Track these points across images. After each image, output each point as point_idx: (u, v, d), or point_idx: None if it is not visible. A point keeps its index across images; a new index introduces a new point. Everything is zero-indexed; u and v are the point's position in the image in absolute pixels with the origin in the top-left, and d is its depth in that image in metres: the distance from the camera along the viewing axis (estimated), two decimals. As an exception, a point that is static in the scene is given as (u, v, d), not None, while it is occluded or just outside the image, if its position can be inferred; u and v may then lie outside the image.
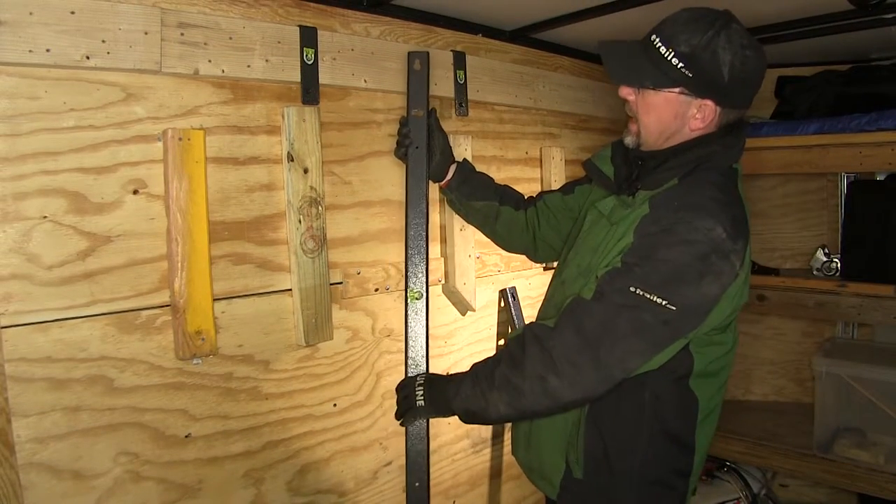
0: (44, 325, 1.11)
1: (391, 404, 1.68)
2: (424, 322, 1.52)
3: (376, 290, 1.63)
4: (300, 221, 1.43)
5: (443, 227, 1.81)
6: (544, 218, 1.57)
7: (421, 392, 1.32)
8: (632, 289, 1.08)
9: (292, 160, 1.42)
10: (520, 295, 2.02)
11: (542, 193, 1.63)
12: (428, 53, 1.60)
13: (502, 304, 2.00)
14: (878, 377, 2.18)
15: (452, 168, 1.62)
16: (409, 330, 1.52)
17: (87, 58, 1.13)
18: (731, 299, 1.14)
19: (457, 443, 1.89)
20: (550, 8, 1.78)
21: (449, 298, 1.83)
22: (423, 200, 1.56)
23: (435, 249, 1.80)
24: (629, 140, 1.25)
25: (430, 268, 1.74)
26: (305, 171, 1.44)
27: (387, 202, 1.67)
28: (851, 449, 2.19)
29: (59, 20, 1.10)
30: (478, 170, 1.68)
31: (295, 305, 1.45)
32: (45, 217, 1.11)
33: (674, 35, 1.13)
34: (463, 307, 1.86)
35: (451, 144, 1.77)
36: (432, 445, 1.80)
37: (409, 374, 1.48)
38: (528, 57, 2.04)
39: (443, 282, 1.81)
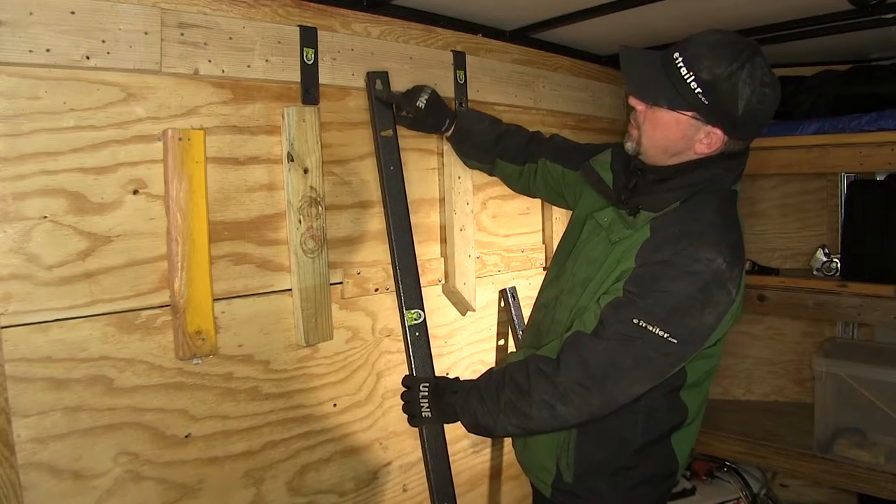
0: (44, 325, 1.11)
1: (391, 404, 1.69)
2: (427, 349, 1.50)
3: (376, 290, 1.63)
4: (300, 221, 1.43)
5: (443, 228, 1.81)
6: (541, 177, 1.61)
7: (426, 403, 1.35)
8: (635, 321, 1.10)
9: (292, 160, 1.42)
10: (520, 295, 2.02)
11: (546, 152, 1.61)
12: (387, 73, 1.57)
13: (502, 304, 2.00)
14: (878, 377, 2.17)
15: (453, 121, 1.64)
16: (412, 354, 1.49)
17: (87, 58, 1.13)
18: (726, 323, 1.17)
19: (456, 443, 1.89)
20: (550, 8, 1.78)
21: (449, 298, 1.83)
22: (406, 222, 1.54)
23: (435, 249, 1.80)
24: (629, 146, 1.25)
25: (430, 268, 1.75)
26: (305, 171, 1.44)
27: (387, 202, 1.67)
28: (851, 449, 2.19)
29: (59, 20, 1.10)
30: (480, 120, 1.68)
31: (295, 305, 1.45)
32: (45, 217, 1.11)
33: (698, 58, 1.10)
34: (463, 307, 1.86)
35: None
36: (432, 445, 1.81)
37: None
38: (528, 57, 2.04)
39: (443, 282, 1.81)
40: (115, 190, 1.19)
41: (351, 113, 1.57)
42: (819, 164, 2.32)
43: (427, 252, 1.78)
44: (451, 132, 1.64)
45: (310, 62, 1.45)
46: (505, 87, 1.94)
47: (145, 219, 1.23)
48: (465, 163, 1.74)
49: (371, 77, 1.56)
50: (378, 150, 1.55)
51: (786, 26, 1.91)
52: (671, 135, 1.17)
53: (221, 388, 1.35)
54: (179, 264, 1.24)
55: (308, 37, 1.45)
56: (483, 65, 1.87)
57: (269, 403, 1.43)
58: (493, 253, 1.95)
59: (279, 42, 1.40)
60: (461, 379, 1.38)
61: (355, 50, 1.55)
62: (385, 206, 1.56)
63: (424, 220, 1.77)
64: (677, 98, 1.13)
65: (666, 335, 1.09)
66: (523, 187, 1.69)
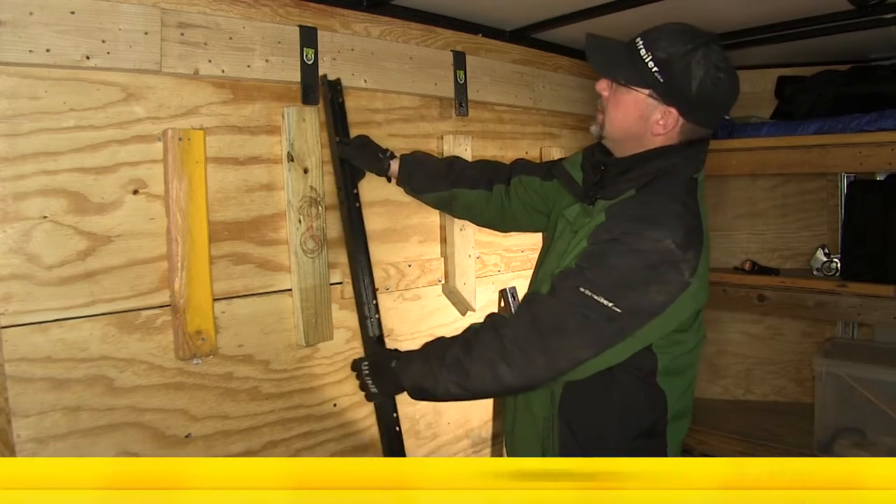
0: (44, 325, 1.11)
1: (391, 404, 1.69)
2: (369, 330, 1.47)
3: (376, 290, 1.62)
4: (300, 221, 1.43)
5: (443, 228, 1.81)
6: (517, 196, 1.57)
7: (370, 380, 1.36)
8: (581, 289, 1.13)
9: (292, 160, 1.42)
10: (519, 295, 2.02)
11: (518, 170, 1.59)
12: (339, 79, 1.50)
13: (502, 304, 2.00)
14: (878, 377, 2.18)
15: (395, 162, 1.57)
16: (362, 337, 1.47)
17: (87, 58, 1.13)
18: (684, 305, 1.17)
19: (457, 443, 1.89)
20: (550, 8, 1.78)
21: (449, 298, 1.83)
22: (357, 215, 1.49)
23: (435, 249, 1.80)
24: (593, 129, 1.30)
25: (430, 268, 1.76)
26: (305, 171, 1.44)
27: (387, 202, 1.67)
28: (851, 449, 2.19)
29: (59, 20, 1.10)
30: (428, 155, 1.63)
31: (295, 305, 1.45)
32: (45, 217, 1.11)
33: (656, 41, 1.18)
34: (463, 307, 1.86)
35: (451, 145, 1.77)
36: (430, 446, 1.81)
37: (365, 333, 1.47)
38: (528, 57, 2.04)
39: (443, 282, 1.81)
40: (115, 190, 1.19)
41: (351, 113, 1.57)
42: (819, 164, 2.32)
43: (427, 252, 1.78)
44: (399, 171, 1.57)
45: (310, 62, 1.45)
46: (505, 87, 1.94)
47: (145, 219, 1.23)
48: (421, 200, 1.63)
49: (328, 83, 1.49)
50: (332, 153, 1.51)
51: (786, 26, 1.91)
52: (630, 115, 1.22)
53: (221, 388, 1.35)
54: (179, 264, 1.24)
55: (308, 37, 1.45)
56: (483, 65, 1.87)
57: (269, 403, 1.43)
58: (493, 253, 1.95)
59: (279, 42, 1.40)
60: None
61: (355, 50, 1.54)
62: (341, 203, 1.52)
63: (424, 220, 1.77)
64: (635, 76, 1.19)
65: (610, 304, 1.12)
66: (494, 213, 1.60)
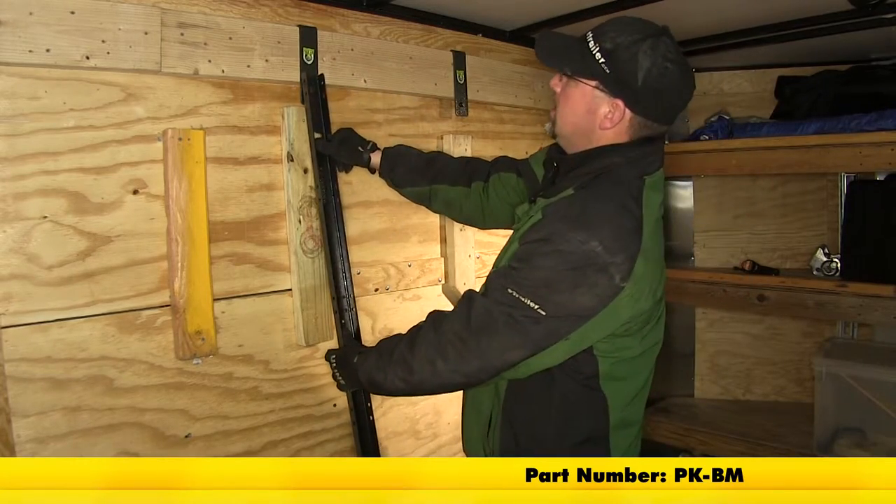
0: (44, 325, 1.11)
1: (391, 404, 1.69)
2: (342, 322, 1.47)
3: (376, 290, 1.63)
4: (300, 221, 1.43)
5: (443, 228, 1.81)
6: (495, 192, 1.57)
7: (337, 372, 1.38)
8: (509, 290, 1.13)
9: (292, 160, 1.42)
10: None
11: (498, 167, 1.58)
12: (323, 75, 1.49)
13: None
14: (878, 377, 2.17)
15: (377, 154, 1.56)
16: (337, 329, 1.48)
17: (87, 58, 1.13)
18: (620, 310, 1.14)
19: (456, 443, 1.89)
20: (550, 8, 1.78)
21: (449, 298, 1.83)
22: (334, 210, 1.47)
23: (435, 249, 1.80)
24: (547, 126, 1.30)
25: (430, 268, 1.76)
26: (305, 171, 1.44)
27: (387, 202, 1.67)
28: (851, 449, 2.18)
29: (59, 20, 1.10)
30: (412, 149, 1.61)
31: (295, 305, 1.45)
32: (45, 217, 1.11)
33: (605, 32, 1.17)
34: (463, 307, 1.86)
35: (451, 145, 1.77)
36: (430, 446, 1.82)
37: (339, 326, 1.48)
38: (528, 57, 2.04)
39: (443, 282, 1.81)
40: (115, 190, 1.19)
41: (351, 113, 1.58)
42: (819, 164, 2.32)
43: (427, 252, 1.78)
44: (380, 163, 1.55)
45: (310, 62, 1.45)
46: (505, 87, 1.94)
47: (145, 219, 1.23)
48: (400, 193, 1.61)
49: (309, 79, 1.47)
50: (311, 147, 1.48)
51: (786, 26, 1.91)
52: (578, 108, 1.21)
53: (221, 388, 1.35)
54: (179, 264, 1.24)
55: (308, 37, 1.45)
56: (483, 65, 1.87)
57: (269, 403, 1.43)
58: (493, 253, 1.95)
59: (279, 42, 1.40)
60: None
61: (355, 50, 1.55)
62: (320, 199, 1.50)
63: (424, 220, 1.77)
64: (582, 67, 1.18)
65: (536, 307, 1.11)
66: (473, 209, 1.59)
